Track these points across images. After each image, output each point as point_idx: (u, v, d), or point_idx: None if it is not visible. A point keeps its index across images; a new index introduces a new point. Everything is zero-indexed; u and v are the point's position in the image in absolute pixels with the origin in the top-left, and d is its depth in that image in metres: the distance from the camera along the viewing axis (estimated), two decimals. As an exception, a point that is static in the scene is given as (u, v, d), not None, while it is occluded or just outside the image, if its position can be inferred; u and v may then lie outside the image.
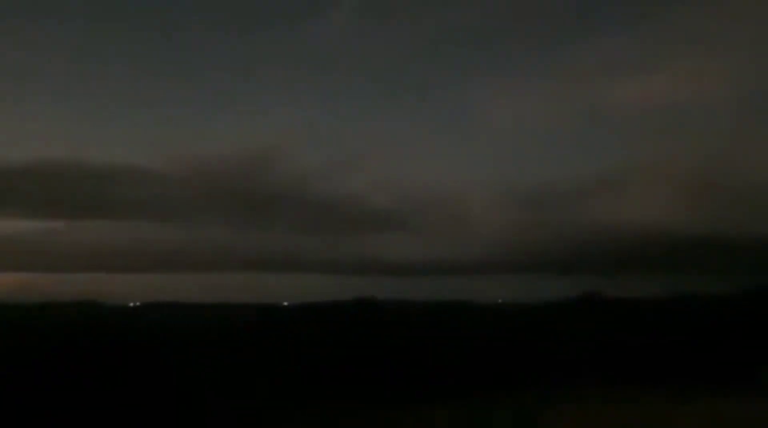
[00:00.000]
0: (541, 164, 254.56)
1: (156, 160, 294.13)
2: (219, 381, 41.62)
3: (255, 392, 41.57)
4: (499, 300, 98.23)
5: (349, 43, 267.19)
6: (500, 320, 71.93)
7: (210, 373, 42.81)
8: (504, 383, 43.54)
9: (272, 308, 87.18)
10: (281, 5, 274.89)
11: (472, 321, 71.65)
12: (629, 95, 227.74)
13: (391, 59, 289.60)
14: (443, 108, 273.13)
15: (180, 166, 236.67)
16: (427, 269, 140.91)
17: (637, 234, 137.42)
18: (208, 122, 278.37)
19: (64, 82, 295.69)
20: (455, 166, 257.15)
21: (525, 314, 75.76)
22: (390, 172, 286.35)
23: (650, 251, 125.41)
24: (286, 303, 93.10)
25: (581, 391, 41.77)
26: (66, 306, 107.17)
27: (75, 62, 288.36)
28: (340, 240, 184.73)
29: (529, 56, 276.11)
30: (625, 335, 54.79)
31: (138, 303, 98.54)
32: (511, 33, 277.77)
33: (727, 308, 61.51)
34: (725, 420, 30.55)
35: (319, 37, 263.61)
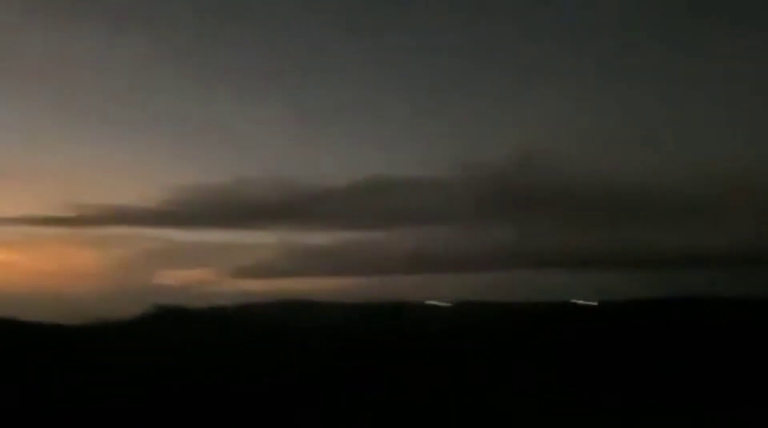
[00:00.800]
0: None
1: (441, 169, 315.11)
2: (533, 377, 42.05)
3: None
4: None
5: (611, 31, 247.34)
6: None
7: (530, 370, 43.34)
8: None
9: (573, 308, 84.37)
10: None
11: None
12: None
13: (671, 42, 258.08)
14: (732, 81, 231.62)
15: (460, 172, 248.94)
16: (733, 260, 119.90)
17: None
18: (481, 127, 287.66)
19: (363, 112, 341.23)
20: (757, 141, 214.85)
21: None
22: (675, 155, 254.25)
23: None
24: (592, 303, 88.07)
25: None
26: (380, 306, 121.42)
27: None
28: (622, 233, 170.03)
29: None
30: None
31: (446, 303, 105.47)
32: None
33: None
34: None
35: (577, 32, 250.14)
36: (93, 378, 48.42)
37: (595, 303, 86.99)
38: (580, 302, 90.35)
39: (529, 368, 46.53)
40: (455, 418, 36.22)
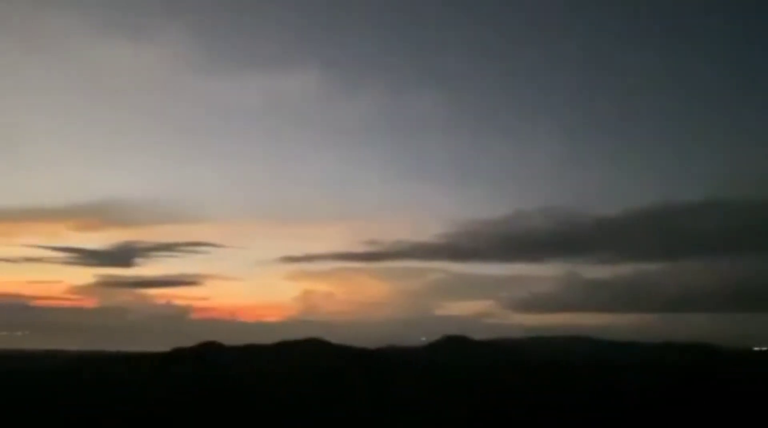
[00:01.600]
0: None
1: (742, 190, 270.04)
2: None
3: None
4: None
5: None
6: None
7: None
8: None
9: None
10: None
11: None
12: None
13: None
14: None
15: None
16: None
17: None
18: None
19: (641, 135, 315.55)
20: None
21: None
22: None
23: None
24: None
25: None
26: (676, 347, 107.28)
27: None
28: None
29: None
30: None
31: (764, 348, 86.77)
32: None
33: None
34: None
35: None
36: (386, 395, 53.54)
37: None
38: None
39: None
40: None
